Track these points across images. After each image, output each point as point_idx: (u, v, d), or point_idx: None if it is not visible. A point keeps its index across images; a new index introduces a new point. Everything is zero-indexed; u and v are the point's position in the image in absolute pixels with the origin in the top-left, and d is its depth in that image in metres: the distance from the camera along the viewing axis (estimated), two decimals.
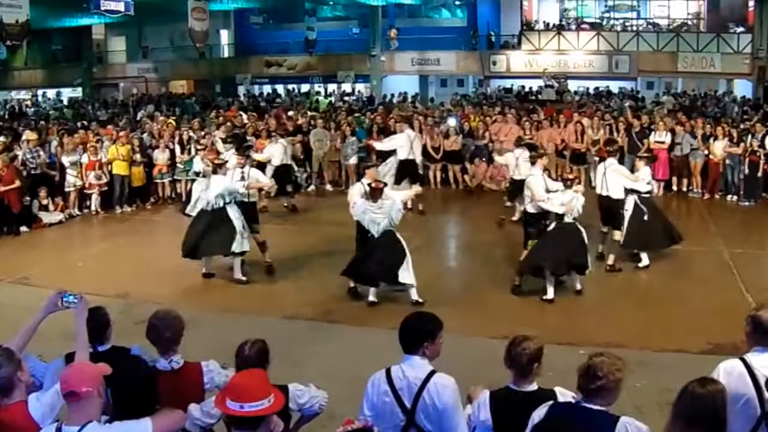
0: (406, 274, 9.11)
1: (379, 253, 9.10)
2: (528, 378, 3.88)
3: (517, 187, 12.97)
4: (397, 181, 14.29)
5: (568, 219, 9.36)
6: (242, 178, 10.67)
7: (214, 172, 10.50)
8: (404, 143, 14.51)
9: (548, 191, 9.66)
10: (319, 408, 4.13)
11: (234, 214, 10.25)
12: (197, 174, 12.81)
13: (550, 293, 9.38)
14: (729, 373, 3.89)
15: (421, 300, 9.10)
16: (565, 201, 9.32)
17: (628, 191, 10.63)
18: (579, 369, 3.55)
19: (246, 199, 10.78)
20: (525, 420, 3.84)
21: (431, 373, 3.97)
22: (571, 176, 9.86)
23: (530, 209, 10.00)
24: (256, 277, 10.58)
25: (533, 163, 10.22)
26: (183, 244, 10.45)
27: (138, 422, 3.40)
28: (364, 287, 9.49)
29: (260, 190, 12.70)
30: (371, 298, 9.34)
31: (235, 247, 10.15)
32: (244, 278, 10.45)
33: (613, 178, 10.53)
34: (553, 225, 9.49)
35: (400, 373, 4.00)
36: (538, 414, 3.64)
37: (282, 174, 14.65)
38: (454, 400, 3.95)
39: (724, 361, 3.96)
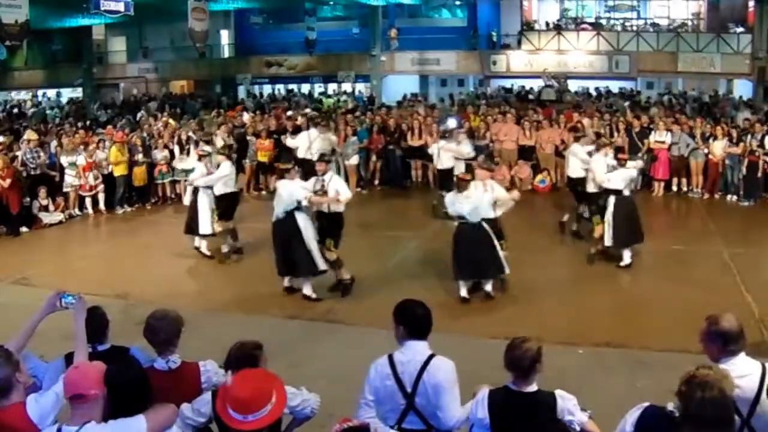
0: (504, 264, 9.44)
1: (474, 251, 9.30)
2: (528, 380, 3.89)
3: (443, 177, 13.72)
4: None
5: (626, 193, 10.62)
6: (322, 187, 9.63)
7: (281, 177, 9.70)
8: (303, 143, 14.57)
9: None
10: (311, 411, 4.11)
11: (303, 222, 9.45)
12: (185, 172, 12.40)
13: (627, 259, 10.73)
14: None
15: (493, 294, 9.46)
16: (624, 177, 10.57)
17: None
18: (681, 379, 3.35)
19: (326, 210, 9.86)
20: (523, 421, 3.87)
21: (431, 356, 4.13)
22: (624, 157, 10.92)
23: (591, 189, 11.29)
24: (256, 277, 10.57)
25: (597, 150, 11.41)
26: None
27: (132, 419, 3.41)
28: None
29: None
30: (463, 293, 9.45)
31: (321, 266, 9.51)
32: (313, 295, 9.60)
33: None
34: (612, 200, 10.59)
35: (402, 358, 4.16)
36: (631, 419, 3.52)
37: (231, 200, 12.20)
38: (448, 380, 4.08)
39: None
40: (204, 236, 11.72)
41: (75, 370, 3.45)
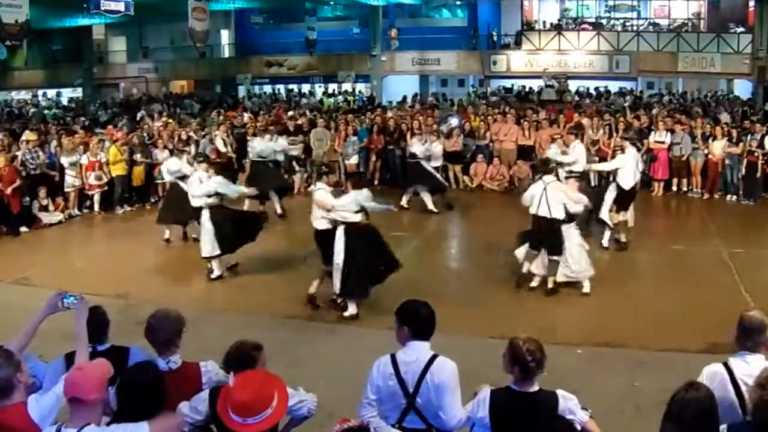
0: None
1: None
2: (531, 379, 3.90)
3: None
4: None
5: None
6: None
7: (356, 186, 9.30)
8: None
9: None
10: (308, 412, 4.10)
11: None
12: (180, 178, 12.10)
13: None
14: (712, 378, 3.93)
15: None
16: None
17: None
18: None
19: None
20: (524, 420, 3.88)
21: (434, 357, 4.13)
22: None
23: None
24: (256, 277, 10.58)
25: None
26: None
27: (136, 426, 3.40)
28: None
29: None
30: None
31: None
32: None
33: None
34: None
35: (405, 358, 4.15)
36: None
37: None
38: (451, 380, 4.08)
39: (709, 365, 4.01)
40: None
41: (78, 372, 3.41)
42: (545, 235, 9.47)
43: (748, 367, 3.83)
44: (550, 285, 9.60)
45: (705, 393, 3.39)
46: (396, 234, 12.95)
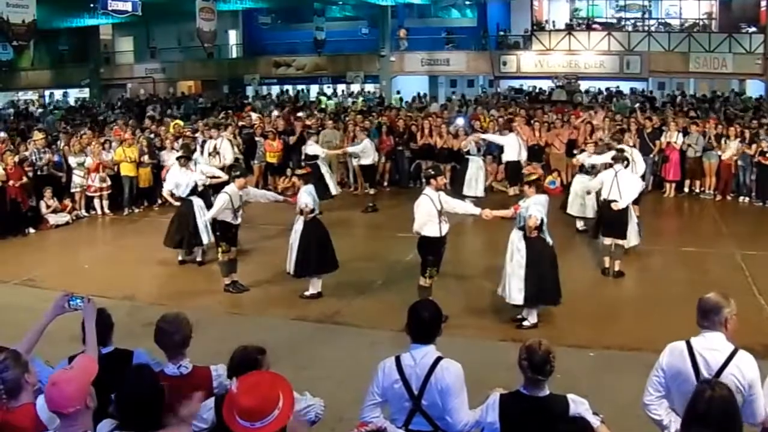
0: None
1: None
2: (542, 384, 3.85)
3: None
4: None
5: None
6: None
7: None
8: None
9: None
10: (315, 416, 4.05)
11: None
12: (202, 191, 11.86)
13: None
14: (672, 351, 4.20)
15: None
16: None
17: None
18: None
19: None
20: (535, 425, 3.85)
21: (438, 359, 4.10)
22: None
23: None
24: (262, 278, 10.52)
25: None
26: None
27: None
28: None
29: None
30: None
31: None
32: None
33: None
34: None
35: (410, 361, 4.12)
36: None
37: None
38: (456, 382, 4.06)
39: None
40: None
41: (52, 388, 3.27)
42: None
43: (706, 341, 4.05)
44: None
45: (729, 390, 3.40)
46: (405, 235, 12.88)
